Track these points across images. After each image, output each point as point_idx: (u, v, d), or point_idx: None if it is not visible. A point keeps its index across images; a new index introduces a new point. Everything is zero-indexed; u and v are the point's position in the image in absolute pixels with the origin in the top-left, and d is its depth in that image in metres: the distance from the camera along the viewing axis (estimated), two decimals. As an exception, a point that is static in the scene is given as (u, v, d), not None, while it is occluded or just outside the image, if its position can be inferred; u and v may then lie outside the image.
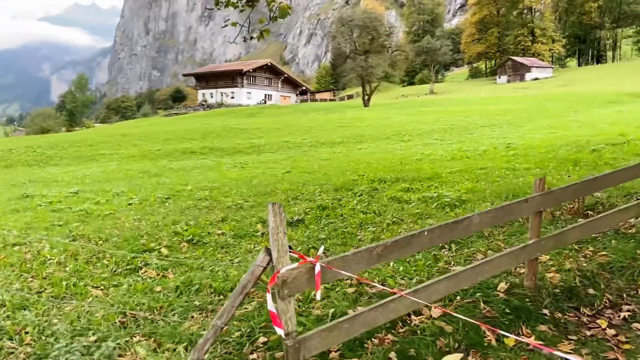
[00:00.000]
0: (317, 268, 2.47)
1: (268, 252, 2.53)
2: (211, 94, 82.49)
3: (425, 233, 2.74)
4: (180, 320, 3.57)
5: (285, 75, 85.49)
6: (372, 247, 2.66)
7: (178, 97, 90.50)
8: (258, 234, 5.98)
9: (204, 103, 79.36)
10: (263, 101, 79.65)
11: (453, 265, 4.16)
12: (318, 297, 2.53)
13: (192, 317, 3.66)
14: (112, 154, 21.34)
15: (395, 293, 2.73)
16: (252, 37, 7.87)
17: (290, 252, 2.50)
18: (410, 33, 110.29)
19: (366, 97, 58.33)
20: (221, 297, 4.02)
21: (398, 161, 12.61)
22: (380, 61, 55.84)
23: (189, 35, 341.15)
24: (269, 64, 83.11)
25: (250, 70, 78.74)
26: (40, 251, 5.56)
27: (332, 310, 3.39)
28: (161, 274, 4.76)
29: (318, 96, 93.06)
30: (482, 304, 3.36)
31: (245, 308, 3.69)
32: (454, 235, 2.99)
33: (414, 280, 3.90)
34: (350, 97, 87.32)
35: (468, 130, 24.30)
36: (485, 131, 23.54)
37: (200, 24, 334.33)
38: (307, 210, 6.91)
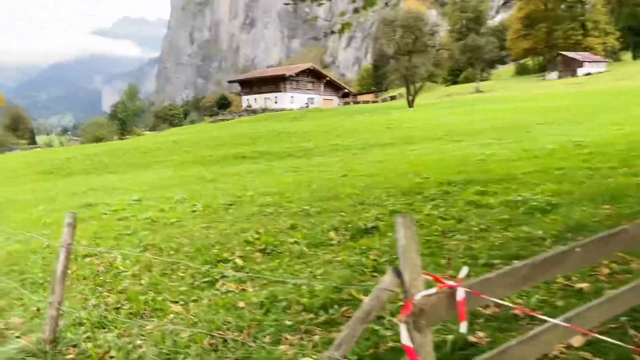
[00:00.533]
0: (461, 294, 2.07)
1: (397, 273, 2.15)
2: (255, 99, 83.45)
3: (578, 249, 2.31)
4: (273, 343, 3.26)
5: (328, 79, 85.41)
6: (516, 268, 2.25)
7: (223, 104, 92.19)
8: (333, 242, 5.64)
9: (248, 108, 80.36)
10: (306, 105, 79.81)
11: (575, 283, 3.65)
12: (464, 329, 2.13)
13: (286, 339, 3.34)
14: (165, 160, 21.65)
15: (542, 320, 2.30)
16: (332, 32, 7.59)
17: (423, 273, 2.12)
18: (453, 31, 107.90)
19: (410, 98, 57.35)
20: (312, 315, 3.68)
21: (459, 162, 12.02)
22: (424, 61, 54.85)
23: (232, 42, 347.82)
24: (312, 67, 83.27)
25: (293, 75, 79.09)
26: (113, 263, 5.43)
27: (450, 336, 2.98)
28: (240, 287, 4.49)
29: (360, 98, 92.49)
30: (631, 330, 2.87)
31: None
32: (610, 249, 2.54)
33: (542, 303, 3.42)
34: (393, 98, 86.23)
35: (524, 128, 23.19)
36: (544, 129, 22.40)
37: (242, 31, 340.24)
38: (379, 216, 6.52)
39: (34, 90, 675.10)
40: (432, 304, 2.09)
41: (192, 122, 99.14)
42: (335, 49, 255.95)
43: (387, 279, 2.19)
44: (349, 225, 6.19)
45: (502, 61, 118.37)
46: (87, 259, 5.67)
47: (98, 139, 75.07)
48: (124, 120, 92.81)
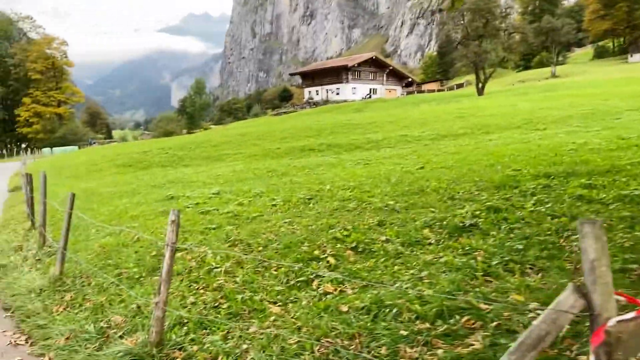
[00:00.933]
0: (671, 321, 1.67)
1: (581, 293, 1.77)
2: (317, 91, 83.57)
3: None
4: (390, 355, 2.96)
5: (390, 68, 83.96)
6: None
7: (285, 97, 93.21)
8: (430, 241, 5.25)
9: (310, 100, 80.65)
10: (368, 95, 78.93)
11: None
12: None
13: (405, 351, 3.03)
14: (235, 153, 21.94)
15: None
16: (440, 10, 7.14)
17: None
18: (525, 14, 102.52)
19: (480, 85, 55.12)
20: (428, 324, 3.35)
21: (550, 152, 11.15)
22: (495, 45, 52.42)
23: (292, 35, 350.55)
24: (374, 57, 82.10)
25: (355, 65, 78.37)
26: (204, 258, 5.35)
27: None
28: (338, 288, 4.23)
29: (424, 87, 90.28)
30: None
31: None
32: None
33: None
34: (460, 86, 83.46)
35: (612, 115, 21.43)
36: (635, 115, 20.63)
37: (303, 23, 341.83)
38: (476, 212, 6.04)
39: (108, 87, 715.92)
40: (632, 331, 1.70)
41: (255, 115, 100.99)
42: (397, 37, 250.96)
43: (567, 300, 1.81)
44: (444, 223, 5.77)
45: (578, 44, 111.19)
46: (178, 254, 5.63)
47: (168, 133, 78.22)
48: (192, 115, 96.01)
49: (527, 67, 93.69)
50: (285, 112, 75.26)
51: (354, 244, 5.36)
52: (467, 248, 4.81)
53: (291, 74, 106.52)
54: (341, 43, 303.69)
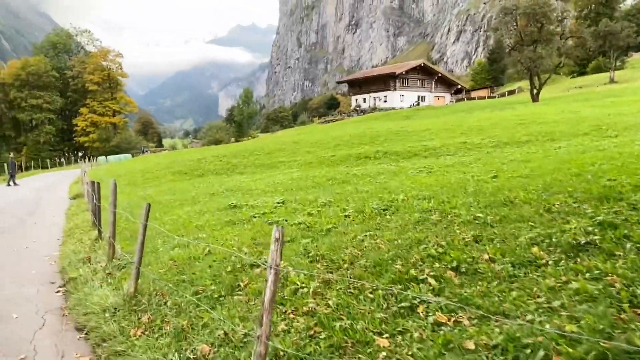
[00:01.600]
0: None
1: None
2: (364, 98, 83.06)
3: None
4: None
5: (439, 75, 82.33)
6: None
7: (332, 104, 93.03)
8: (543, 261, 4.57)
9: (357, 108, 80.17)
10: (416, 103, 77.70)
11: None
12: None
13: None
14: (290, 161, 21.66)
15: None
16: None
17: None
18: (579, 18, 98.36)
19: (535, 92, 53.03)
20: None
21: (637, 160, 10.11)
22: (550, 50, 50.28)
23: (338, 44, 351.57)
24: (422, 64, 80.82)
25: (403, 73, 77.39)
26: (287, 276, 4.87)
27: None
28: (452, 318, 3.63)
29: (474, 94, 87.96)
30: None
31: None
32: None
33: None
34: (511, 92, 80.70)
35: (694, 121, 19.80)
36: None
37: (348, 32, 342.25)
38: (588, 228, 5.29)
39: (159, 97, 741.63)
40: None
41: (302, 123, 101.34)
42: (444, 44, 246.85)
43: None
44: (553, 240, 5.06)
45: (638, 47, 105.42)
46: (256, 270, 5.19)
47: (217, 141, 79.64)
48: (240, 123, 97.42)
49: (582, 73, 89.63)
50: (332, 120, 75.07)
51: (454, 263, 4.74)
52: (595, 272, 4.10)
53: (338, 82, 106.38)
54: (386, 51, 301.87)
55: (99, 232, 8.58)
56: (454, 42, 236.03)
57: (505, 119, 28.44)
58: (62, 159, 78.00)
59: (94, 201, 9.24)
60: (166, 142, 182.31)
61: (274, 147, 26.50)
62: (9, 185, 27.96)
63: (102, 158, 71.79)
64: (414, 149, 21.09)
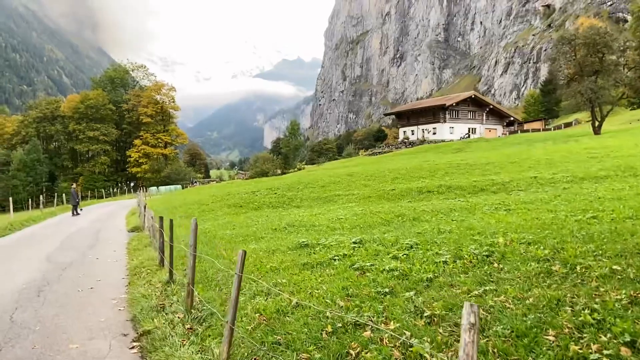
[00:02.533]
0: None
1: None
2: (412, 131, 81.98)
3: None
4: None
5: (491, 107, 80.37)
6: None
7: (379, 137, 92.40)
8: None
9: (405, 140, 79.07)
10: (467, 135, 75.89)
11: None
12: None
13: None
14: (347, 194, 20.84)
15: None
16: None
17: None
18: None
19: (596, 124, 50.59)
20: None
21: None
22: (613, 81, 47.98)
23: (382, 77, 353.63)
24: (473, 96, 79.28)
25: (454, 104, 76.02)
26: (406, 344, 3.95)
27: None
28: None
29: (527, 126, 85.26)
30: None
31: None
32: None
33: None
34: (568, 125, 77.65)
35: None
36: None
37: (393, 65, 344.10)
38: None
39: (207, 129, 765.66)
40: None
41: (349, 155, 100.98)
42: (491, 76, 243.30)
43: None
44: None
45: None
46: (365, 333, 4.30)
47: (264, 173, 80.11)
48: (286, 155, 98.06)
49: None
50: (380, 152, 74.17)
51: (625, 337, 3.69)
52: None
53: (386, 114, 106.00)
54: (431, 83, 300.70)
55: (170, 273, 7.89)
56: (501, 74, 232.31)
57: (574, 152, 26.76)
58: (116, 189, 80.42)
59: (162, 238, 8.65)
60: (213, 173, 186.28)
61: (328, 180, 25.79)
62: (73, 215, 28.62)
63: (153, 188, 73.47)
64: (479, 183, 19.85)
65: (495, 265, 6.23)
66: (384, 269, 6.54)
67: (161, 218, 9.02)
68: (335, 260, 7.53)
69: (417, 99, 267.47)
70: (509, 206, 13.83)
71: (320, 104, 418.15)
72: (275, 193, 23.14)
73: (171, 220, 7.87)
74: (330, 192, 22.03)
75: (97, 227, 20.02)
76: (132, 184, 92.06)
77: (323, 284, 6.16)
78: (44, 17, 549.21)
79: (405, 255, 7.32)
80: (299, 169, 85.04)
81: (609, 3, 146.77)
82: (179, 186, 78.10)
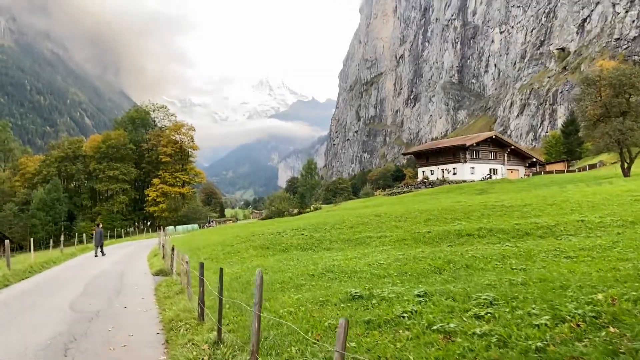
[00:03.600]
0: None
1: None
2: (431, 170, 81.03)
3: None
4: None
5: (512, 147, 79.37)
6: None
7: (398, 176, 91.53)
8: None
9: (425, 180, 78.01)
10: (488, 176, 74.62)
11: None
12: None
13: None
14: (379, 236, 19.79)
15: None
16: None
17: None
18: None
19: (625, 165, 49.27)
20: None
21: None
22: (641, 122, 46.94)
23: (396, 118, 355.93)
24: (494, 136, 78.54)
25: (474, 145, 75.23)
26: None
27: None
28: None
29: (549, 168, 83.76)
30: None
31: None
32: None
33: None
34: (592, 166, 76.00)
35: None
36: None
37: (407, 106, 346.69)
38: None
39: (222, 169, 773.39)
40: None
41: (366, 194, 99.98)
42: (507, 117, 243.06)
43: None
44: None
45: None
46: None
47: (280, 212, 79.18)
48: (303, 194, 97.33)
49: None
50: (399, 192, 73.08)
51: None
52: None
53: (404, 154, 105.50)
54: (446, 124, 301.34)
55: (219, 332, 6.78)
56: (517, 115, 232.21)
57: (614, 195, 25.47)
58: (133, 228, 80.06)
59: (202, 287, 7.67)
60: (227, 212, 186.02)
61: (355, 221, 24.78)
62: (96, 255, 27.55)
63: (170, 228, 72.88)
64: (522, 227, 18.68)
65: (613, 330, 5.16)
66: (474, 333, 5.49)
67: (201, 265, 8.07)
68: (404, 317, 6.50)
69: (432, 139, 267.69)
70: (566, 253, 12.70)
71: (334, 144, 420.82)
72: (302, 234, 22.16)
73: (221, 270, 6.90)
74: (361, 234, 21.00)
75: (120, 269, 19.12)
76: (148, 223, 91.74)
77: (404, 351, 5.14)
78: (69, 61, 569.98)
79: (489, 315, 6.27)
80: (316, 209, 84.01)
81: (624, 46, 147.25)
82: (196, 226, 77.47)
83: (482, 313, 6.31)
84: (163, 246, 21.99)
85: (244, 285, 11.47)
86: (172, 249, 14.50)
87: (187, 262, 9.98)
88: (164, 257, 20.77)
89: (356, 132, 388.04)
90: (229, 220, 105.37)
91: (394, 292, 8.14)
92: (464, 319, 6.13)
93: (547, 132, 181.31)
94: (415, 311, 6.65)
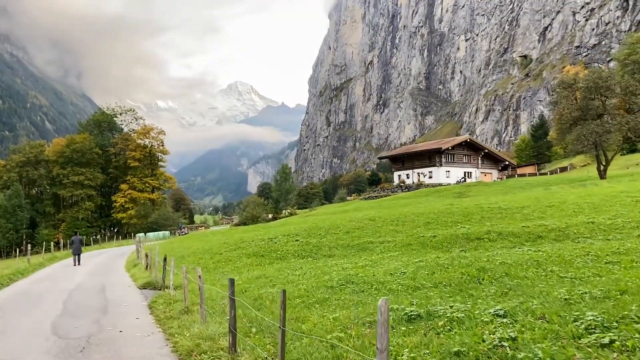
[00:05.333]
0: None
1: None
2: (407, 174, 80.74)
3: None
4: None
5: (486, 151, 79.93)
6: None
7: (374, 180, 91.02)
8: None
9: (402, 184, 77.59)
10: (463, 179, 74.78)
11: None
12: None
13: None
14: (381, 242, 18.54)
15: None
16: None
17: None
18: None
19: (602, 168, 49.85)
20: None
21: None
22: (619, 125, 47.48)
23: (366, 123, 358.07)
24: (469, 140, 78.92)
25: (449, 148, 75.28)
26: None
27: None
28: None
29: (520, 171, 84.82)
30: None
31: None
32: None
33: None
34: (563, 169, 77.22)
35: None
36: None
37: (376, 112, 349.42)
38: None
39: (191, 175, 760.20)
40: None
41: (341, 199, 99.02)
42: (472, 123, 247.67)
43: None
44: None
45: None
46: None
47: (254, 218, 77.17)
48: (277, 199, 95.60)
49: (632, 150, 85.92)
50: (376, 197, 72.31)
51: None
52: None
53: (380, 157, 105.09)
54: (414, 129, 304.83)
55: None
56: (482, 120, 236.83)
57: (610, 196, 25.01)
58: (98, 236, 76.44)
59: (234, 311, 6.08)
60: (197, 218, 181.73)
61: (350, 226, 23.48)
62: (75, 264, 26.62)
63: (140, 235, 69.89)
64: (532, 229, 17.77)
65: None
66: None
67: (231, 281, 6.43)
68: (503, 347, 5.19)
69: (401, 144, 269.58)
70: (602, 257, 11.71)
71: (304, 149, 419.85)
72: (297, 240, 20.69)
73: (284, 292, 5.34)
74: (360, 239, 19.69)
75: (98, 282, 17.11)
76: (115, 230, 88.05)
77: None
78: (28, 64, 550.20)
79: (618, 343, 4.99)
80: (291, 214, 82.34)
81: (584, 54, 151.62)
82: (167, 232, 74.67)
83: (604, 340, 5.05)
84: (146, 255, 20.06)
85: (257, 300, 9.97)
86: (165, 259, 12.76)
87: (200, 277, 8.27)
88: (147, 267, 18.90)
89: (326, 137, 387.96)
90: (201, 226, 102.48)
91: (458, 310, 6.85)
92: (588, 349, 4.86)
93: (511, 137, 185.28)
94: (514, 338, 5.34)
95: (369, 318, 7.26)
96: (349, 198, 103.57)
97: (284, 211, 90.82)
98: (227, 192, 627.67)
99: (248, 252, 19.42)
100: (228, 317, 6.53)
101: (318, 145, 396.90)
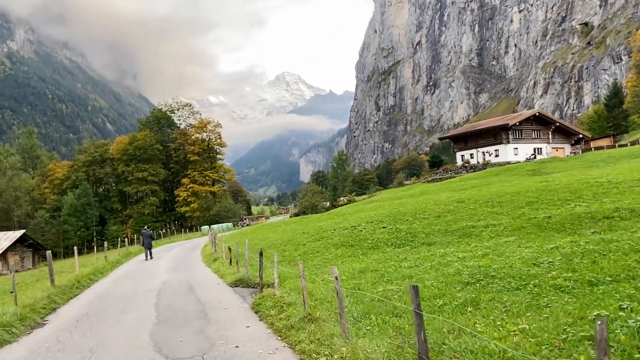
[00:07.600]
0: None
1: None
2: (471, 154, 76.92)
3: None
4: None
5: (557, 124, 74.67)
6: None
7: (435, 162, 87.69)
8: None
9: (466, 165, 74.01)
10: (533, 156, 70.26)
11: None
12: None
13: None
14: (484, 225, 16.42)
15: None
16: None
17: None
18: None
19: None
20: None
21: None
22: None
23: (416, 105, 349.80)
24: (538, 114, 73.99)
25: (517, 124, 70.81)
26: None
27: None
28: None
29: (594, 144, 78.74)
30: None
31: None
32: None
33: None
34: (634, 143, 70.90)
35: None
36: None
37: (427, 93, 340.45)
38: None
39: (244, 167, 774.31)
40: None
41: (400, 183, 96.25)
42: (530, 98, 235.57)
43: None
44: None
45: None
46: None
47: (314, 207, 76.04)
48: (335, 187, 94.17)
49: None
50: (441, 179, 69.29)
51: None
52: None
53: (440, 138, 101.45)
54: (468, 109, 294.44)
55: None
56: (541, 95, 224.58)
57: None
58: (166, 230, 77.99)
59: (422, 331, 4.40)
60: (254, 209, 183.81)
61: (438, 209, 21.43)
62: (147, 259, 26.63)
63: (205, 227, 70.51)
64: (624, 207, 15.09)
65: None
66: None
67: (415, 289, 4.68)
68: None
69: (455, 125, 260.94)
70: None
71: (355, 136, 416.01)
72: (384, 227, 18.91)
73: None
74: (457, 224, 17.65)
75: (183, 280, 16.04)
76: (179, 224, 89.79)
77: None
78: (87, 68, 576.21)
79: None
80: (350, 201, 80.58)
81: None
82: (230, 224, 74.98)
83: None
84: (229, 249, 18.94)
85: (381, 308, 8.27)
86: (261, 253, 11.31)
87: (337, 278, 6.55)
88: (231, 262, 17.77)
89: (376, 122, 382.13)
90: (261, 217, 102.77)
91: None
92: None
93: (573, 109, 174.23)
94: None
95: (571, 330, 5.38)
96: (406, 182, 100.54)
97: (342, 198, 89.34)
98: (281, 182, 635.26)
99: (334, 242, 17.86)
100: (388, 337, 4.83)
101: (368, 131, 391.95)
